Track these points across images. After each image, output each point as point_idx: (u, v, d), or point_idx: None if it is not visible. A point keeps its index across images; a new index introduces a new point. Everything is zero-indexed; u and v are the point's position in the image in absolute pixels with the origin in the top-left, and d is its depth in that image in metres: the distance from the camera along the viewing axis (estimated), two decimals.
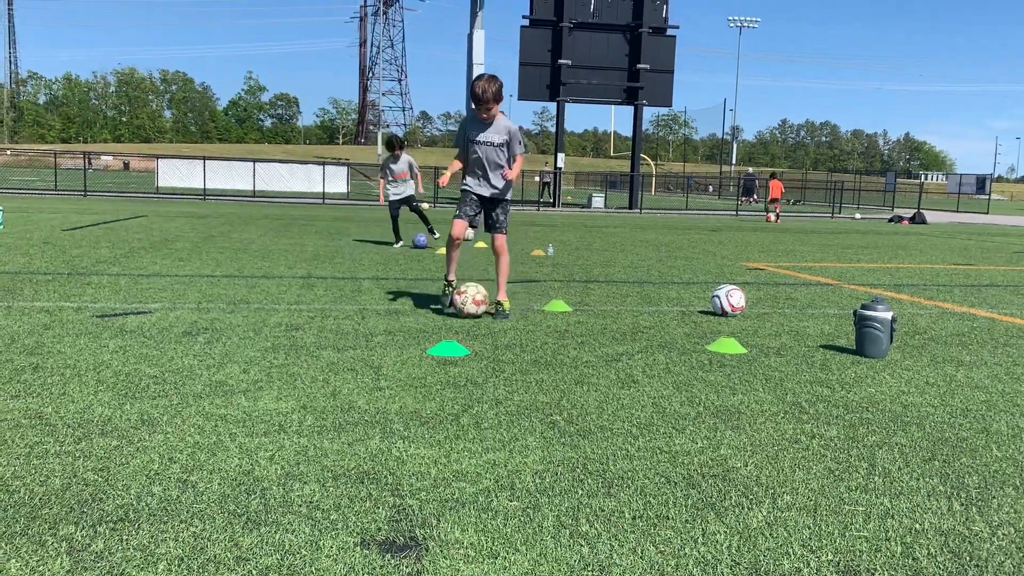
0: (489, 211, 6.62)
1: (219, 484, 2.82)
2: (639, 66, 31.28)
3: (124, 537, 2.39)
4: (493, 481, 2.95)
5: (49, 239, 11.65)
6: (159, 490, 2.74)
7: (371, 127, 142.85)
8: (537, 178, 38.75)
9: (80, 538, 2.38)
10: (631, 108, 32.67)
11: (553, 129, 45.53)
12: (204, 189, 29.70)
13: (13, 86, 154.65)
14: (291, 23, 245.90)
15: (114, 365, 4.42)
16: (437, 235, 13.54)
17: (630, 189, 33.92)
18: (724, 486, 2.98)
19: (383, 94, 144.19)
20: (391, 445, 3.29)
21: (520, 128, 6.65)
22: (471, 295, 6.26)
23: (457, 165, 6.69)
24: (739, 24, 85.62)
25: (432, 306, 6.78)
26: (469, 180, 6.55)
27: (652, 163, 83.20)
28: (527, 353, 5.12)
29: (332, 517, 2.59)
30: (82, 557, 2.27)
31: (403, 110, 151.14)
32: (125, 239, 12.09)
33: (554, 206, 32.48)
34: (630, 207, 32.91)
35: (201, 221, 16.86)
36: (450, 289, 6.66)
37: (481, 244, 12.18)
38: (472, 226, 6.70)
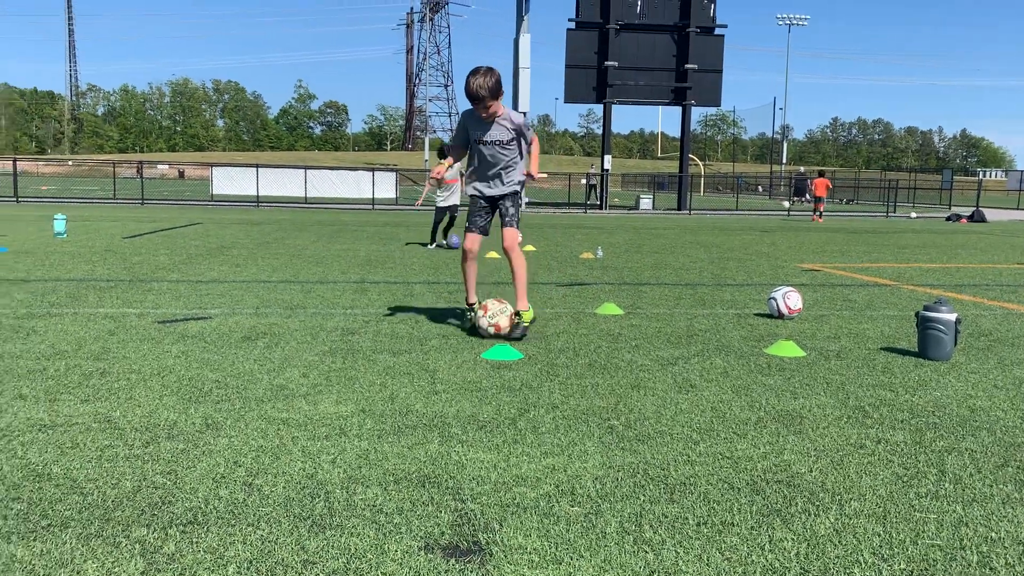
0: (498, 205, 6.00)
1: (284, 487, 2.85)
2: (687, 66, 31.04)
3: (194, 540, 2.44)
4: (554, 486, 2.94)
5: (110, 247, 11.95)
6: (226, 493, 2.78)
7: (418, 133, 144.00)
8: (584, 180, 38.62)
9: (152, 540, 2.43)
10: (679, 109, 32.43)
11: (599, 131, 45.33)
12: (257, 196, 30.23)
13: (73, 99, 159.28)
14: (339, 31, 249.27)
15: (177, 370, 4.51)
16: (432, 246, 13.00)
17: (679, 190, 33.64)
18: (789, 492, 2.93)
19: (430, 100, 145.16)
20: (450, 449, 3.30)
21: (525, 114, 6.28)
22: (497, 316, 5.61)
23: (443, 167, 6.35)
24: (788, 22, 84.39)
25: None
26: (478, 184, 5.98)
27: (701, 164, 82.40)
28: (581, 357, 5.10)
29: (396, 521, 2.61)
30: (155, 559, 2.31)
31: (450, 115, 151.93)
32: (183, 246, 12.35)
33: (601, 208, 32.36)
34: (679, 208, 32.63)
35: (255, 228, 17.15)
36: (472, 313, 5.88)
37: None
38: (484, 234, 5.98)
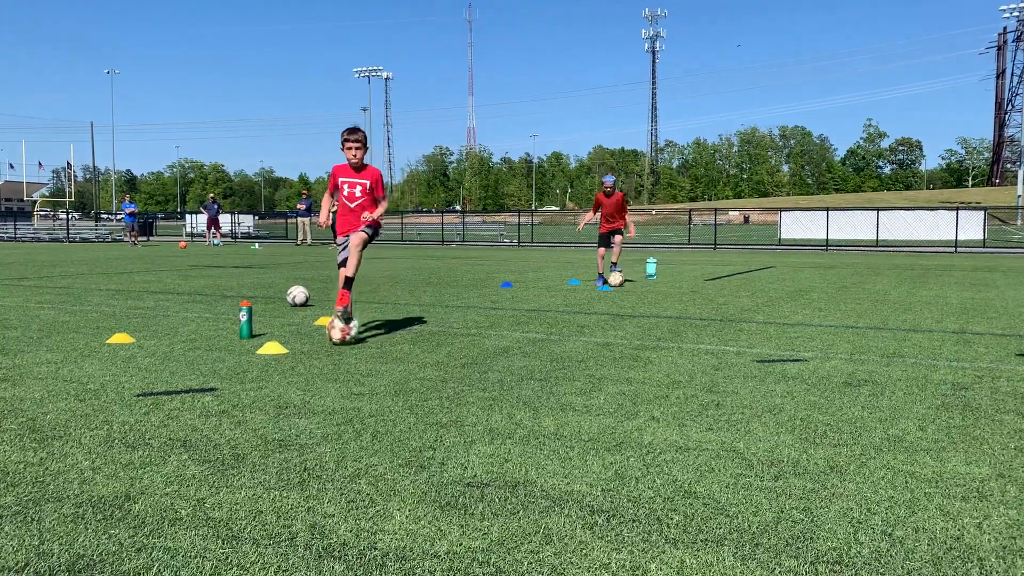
0: None
1: (927, 544, 2.71)
2: None
3: None
4: None
5: (695, 288, 12.90)
6: (867, 540, 2.74)
7: (1007, 165, 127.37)
8: None
9: (803, 573, 2.50)
10: None
11: None
12: (826, 239, 29.85)
13: (653, 154, 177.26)
14: (912, 64, 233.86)
15: (787, 409, 4.63)
16: None
17: None
18: None
19: None
20: None
21: None
22: None
23: None
24: None
25: None
26: None
27: None
28: None
29: None
30: None
31: None
32: (761, 289, 12.74)
33: None
34: None
35: (829, 271, 16.92)
36: None
37: None
38: None
